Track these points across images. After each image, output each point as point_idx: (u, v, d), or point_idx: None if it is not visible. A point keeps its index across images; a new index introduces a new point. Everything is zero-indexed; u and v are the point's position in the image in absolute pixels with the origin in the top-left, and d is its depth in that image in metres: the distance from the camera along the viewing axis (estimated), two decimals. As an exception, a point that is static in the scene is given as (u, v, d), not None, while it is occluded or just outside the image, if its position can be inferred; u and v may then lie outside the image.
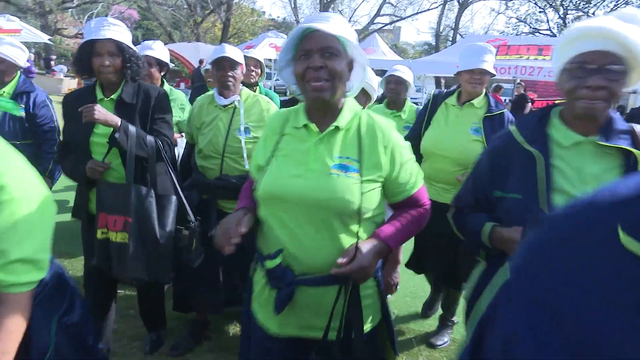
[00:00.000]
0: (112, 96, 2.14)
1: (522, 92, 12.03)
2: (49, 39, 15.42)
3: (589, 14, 25.83)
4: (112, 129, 2.02)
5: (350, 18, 28.63)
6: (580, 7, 26.11)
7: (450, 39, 27.03)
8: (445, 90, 2.83)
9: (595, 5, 25.50)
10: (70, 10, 24.94)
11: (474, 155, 2.55)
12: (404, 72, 3.41)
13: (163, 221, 2.05)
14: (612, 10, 24.85)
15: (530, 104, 11.81)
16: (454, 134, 2.60)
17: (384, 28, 31.40)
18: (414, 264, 3.06)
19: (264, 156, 1.40)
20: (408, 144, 1.44)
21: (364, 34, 26.42)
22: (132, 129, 2.05)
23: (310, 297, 1.33)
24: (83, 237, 2.28)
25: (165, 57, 3.15)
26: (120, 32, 2.08)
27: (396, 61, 11.33)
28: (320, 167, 1.29)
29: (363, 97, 2.02)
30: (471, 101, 2.61)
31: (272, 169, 1.35)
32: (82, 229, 2.28)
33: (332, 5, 27.27)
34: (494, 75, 2.61)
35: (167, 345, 2.67)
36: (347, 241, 1.29)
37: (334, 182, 1.26)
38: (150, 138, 2.12)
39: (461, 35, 25.94)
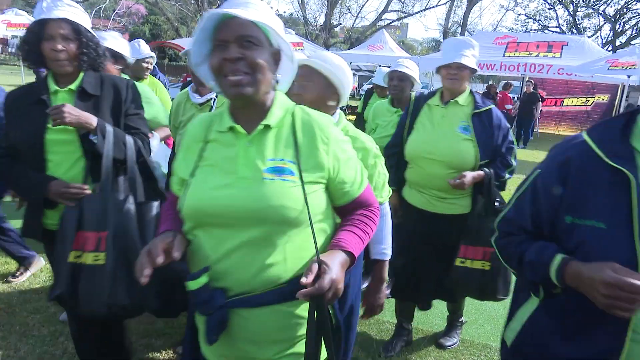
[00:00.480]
0: (71, 86, 1.82)
1: (533, 89, 11.89)
2: (57, 33, 15.42)
3: (599, 11, 25.54)
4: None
5: (358, 14, 28.46)
6: (590, 4, 25.81)
7: (459, 35, 26.82)
8: (427, 91, 2.67)
9: (605, 2, 25.20)
10: (78, 4, 24.99)
11: (466, 156, 2.40)
12: (409, 67, 3.26)
13: (144, 232, 1.78)
14: (622, 7, 24.60)
15: (540, 103, 11.69)
16: (441, 134, 2.43)
17: (392, 24, 31.21)
18: (403, 284, 2.64)
19: (186, 168, 1.20)
20: (348, 139, 1.29)
21: (371, 30, 26.29)
22: (109, 128, 1.78)
23: (248, 323, 1.14)
24: (50, 260, 1.96)
25: (121, 49, 2.77)
26: (76, 14, 1.79)
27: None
28: (252, 173, 1.12)
29: (334, 95, 1.68)
30: (455, 99, 2.45)
31: (196, 181, 1.16)
32: (46, 250, 1.96)
33: (340, 1, 27.12)
34: (475, 70, 2.45)
35: (178, 345, 2.62)
36: (291, 254, 1.13)
37: (267, 188, 1.10)
38: (129, 138, 1.86)
39: (469, 32, 25.74)
